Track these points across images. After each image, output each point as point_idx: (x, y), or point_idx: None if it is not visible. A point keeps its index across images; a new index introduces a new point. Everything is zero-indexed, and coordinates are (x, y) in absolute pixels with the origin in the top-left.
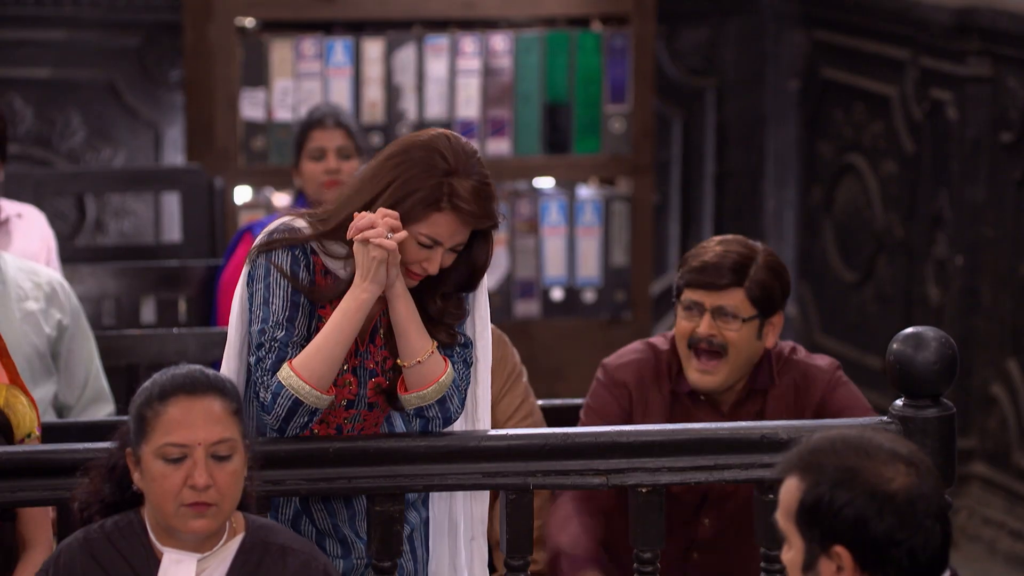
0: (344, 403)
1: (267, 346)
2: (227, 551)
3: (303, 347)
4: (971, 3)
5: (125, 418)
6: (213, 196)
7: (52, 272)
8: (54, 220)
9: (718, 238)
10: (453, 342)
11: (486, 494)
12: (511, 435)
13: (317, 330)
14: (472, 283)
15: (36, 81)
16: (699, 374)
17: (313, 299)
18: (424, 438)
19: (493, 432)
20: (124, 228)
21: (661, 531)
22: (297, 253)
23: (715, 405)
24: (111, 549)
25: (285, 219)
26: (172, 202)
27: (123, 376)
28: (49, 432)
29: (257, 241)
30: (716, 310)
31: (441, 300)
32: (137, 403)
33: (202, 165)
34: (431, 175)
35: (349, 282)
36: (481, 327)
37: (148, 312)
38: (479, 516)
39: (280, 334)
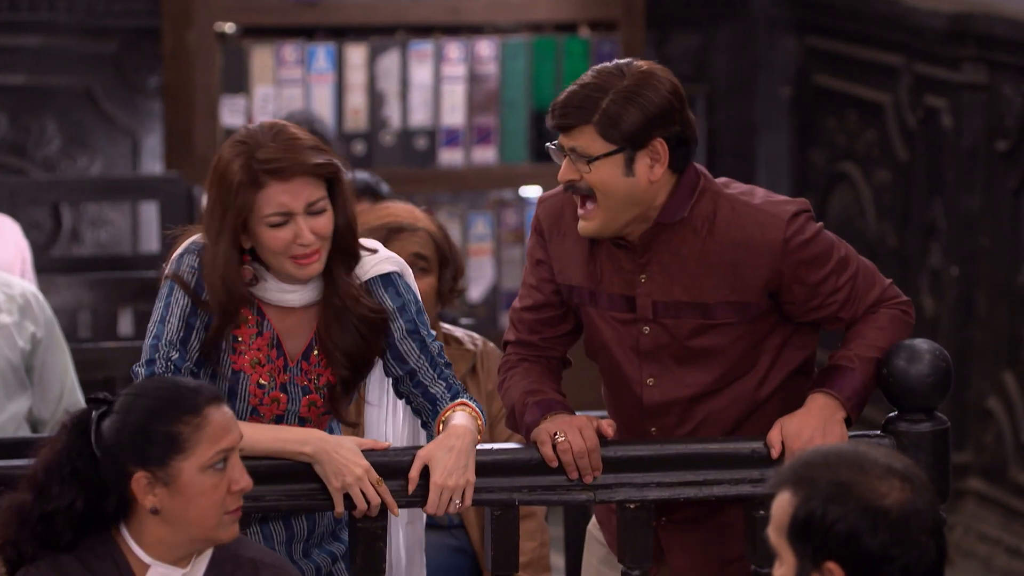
0: (273, 420)
1: (160, 364)
2: (199, 565)
3: (196, 368)
4: (966, 9)
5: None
6: (192, 205)
7: (26, 284)
8: (29, 230)
9: (594, 67)
10: (381, 322)
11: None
12: (496, 450)
13: (207, 340)
14: (348, 242)
15: (11, 88)
16: (581, 221)
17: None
18: (408, 454)
19: (478, 447)
20: (101, 238)
21: (649, 548)
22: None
23: (627, 243)
24: (80, 568)
25: (194, 238)
26: (150, 211)
27: (99, 389)
28: None
29: (168, 266)
30: (571, 151)
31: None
32: (152, 423)
33: (181, 174)
34: (236, 166)
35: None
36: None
37: (125, 324)
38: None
39: (175, 356)
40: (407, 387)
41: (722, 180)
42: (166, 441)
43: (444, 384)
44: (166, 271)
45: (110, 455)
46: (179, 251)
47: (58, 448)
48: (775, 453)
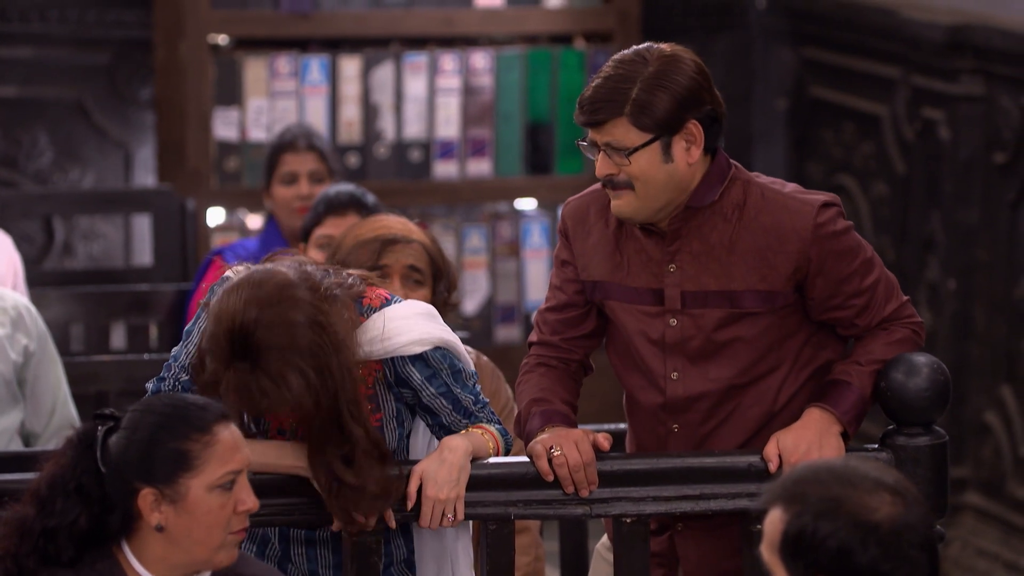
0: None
1: (168, 383)
2: None
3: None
4: (964, 20)
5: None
6: (185, 218)
7: (18, 296)
8: (21, 243)
9: (614, 56)
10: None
11: (468, 526)
12: (492, 464)
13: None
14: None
15: (2, 100)
16: (614, 202)
17: None
18: (405, 468)
19: (473, 462)
20: (93, 251)
21: (646, 562)
22: None
23: (656, 226)
24: None
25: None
26: (143, 224)
27: (92, 403)
28: None
29: (207, 293)
30: (606, 146)
31: None
32: (161, 440)
33: (173, 186)
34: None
35: None
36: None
37: (118, 338)
38: (463, 549)
39: (184, 378)
40: (435, 429)
41: (752, 172)
42: (175, 458)
43: (463, 414)
44: (204, 297)
45: (117, 471)
46: (219, 280)
47: (63, 463)
48: (772, 467)
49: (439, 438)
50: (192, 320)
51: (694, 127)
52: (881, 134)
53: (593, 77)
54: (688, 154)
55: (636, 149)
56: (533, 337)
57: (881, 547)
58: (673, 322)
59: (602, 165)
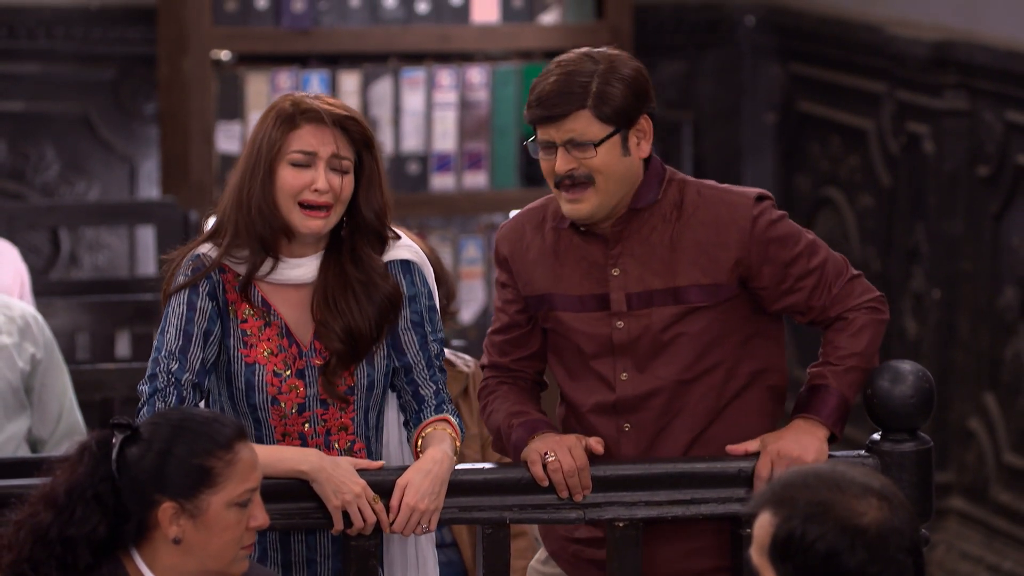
0: (295, 409)
1: (161, 378)
2: None
3: (198, 378)
4: (948, 37)
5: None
6: (188, 229)
7: (25, 306)
8: (28, 254)
9: (558, 59)
10: (398, 297)
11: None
12: (487, 469)
13: (230, 346)
14: (376, 224)
15: (9, 114)
16: (570, 205)
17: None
18: (399, 473)
19: (469, 466)
20: (98, 262)
21: (638, 567)
22: (203, 287)
23: (598, 230)
24: None
25: (192, 253)
26: (147, 236)
27: (97, 410)
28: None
29: (168, 287)
30: (567, 142)
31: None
32: (184, 455)
33: (177, 198)
34: (276, 109)
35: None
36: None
37: (123, 346)
38: (432, 551)
39: (174, 367)
40: (400, 381)
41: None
42: (198, 474)
43: (434, 388)
44: (167, 291)
45: (136, 483)
46: (178, 272)
47: (80, 471)
48: (764, 473)
49: (394, 388)
50: (164, 316)
51: (645, 121)
52: (867, 148)
53: (540, 77)
54: (639, 148)
55: (602, 140)
56: (484, 360)
57: (868, 551)
58: (620, 324)
59: (563, 161)
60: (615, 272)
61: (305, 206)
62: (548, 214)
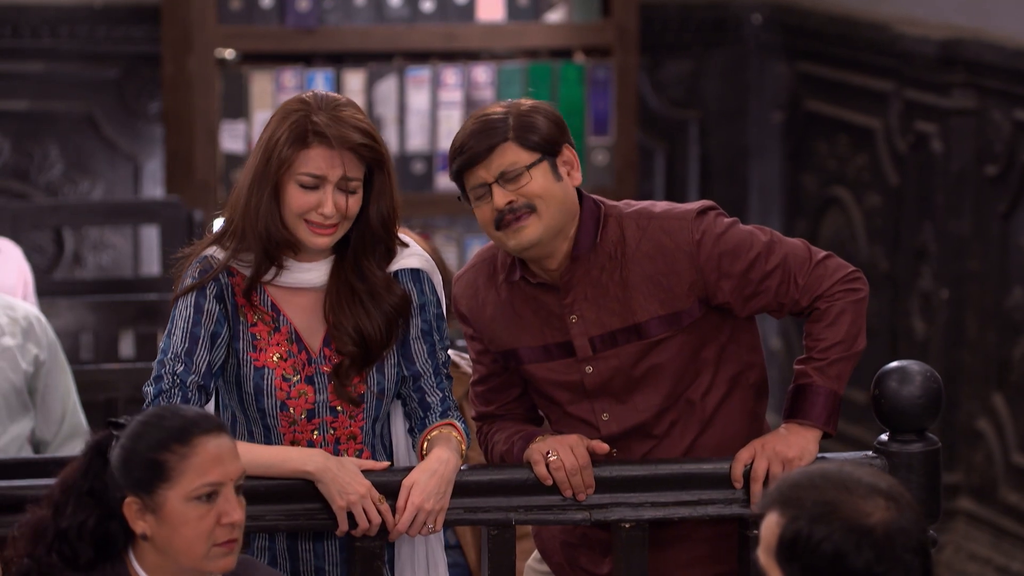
0: (304, 415)
1: (166, 379)
2: None
3: (204, 380)
4: (956, 35)
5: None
6: (192, 229)
7: (29, 306)
8: (31, 254)
9: (471, 114)
10: (406, 308)
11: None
12: (492, 470)
13: (239, 350)
14: (383, 235)
15: (14, 113)
16: (515, 237)
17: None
18: (404, 474)
19: (475, 467)
20: (102, 261)
21: (644, 568)
22: (210, 289)
23: (550, 282)
24: None
25: (199, 255)
26: (151, 235)
27: (101, 411)
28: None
29: (176, 290)
30: (500, 177)
31: (371, 270)
32: (142, 450)
33: (181, 198)
34: (290, 118)
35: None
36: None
37: (127, 346)
38: (442, 551)
39: (179, 368)
40: (408, 388)
41: (621, 202)
42: (152, 468)
43: (440, 395)
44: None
45: (112, 479)
46: (183, 278)
47: (76, 468)
48: (760, 475)
49: (400, 396)
50: (171, 319)
51: (569, 151)
52: (875, 146)
53: (457, 134)
54: (571, 178)
55: (533, 164)
56: (472, 412)
57: (875, 551)
58: (589, 369)
59: (500, 196)
60: (573, 319)
61: (312, 222)
62: (498, 266)
